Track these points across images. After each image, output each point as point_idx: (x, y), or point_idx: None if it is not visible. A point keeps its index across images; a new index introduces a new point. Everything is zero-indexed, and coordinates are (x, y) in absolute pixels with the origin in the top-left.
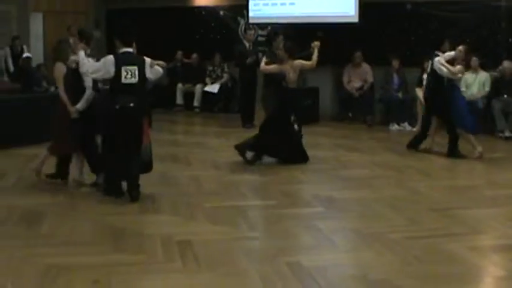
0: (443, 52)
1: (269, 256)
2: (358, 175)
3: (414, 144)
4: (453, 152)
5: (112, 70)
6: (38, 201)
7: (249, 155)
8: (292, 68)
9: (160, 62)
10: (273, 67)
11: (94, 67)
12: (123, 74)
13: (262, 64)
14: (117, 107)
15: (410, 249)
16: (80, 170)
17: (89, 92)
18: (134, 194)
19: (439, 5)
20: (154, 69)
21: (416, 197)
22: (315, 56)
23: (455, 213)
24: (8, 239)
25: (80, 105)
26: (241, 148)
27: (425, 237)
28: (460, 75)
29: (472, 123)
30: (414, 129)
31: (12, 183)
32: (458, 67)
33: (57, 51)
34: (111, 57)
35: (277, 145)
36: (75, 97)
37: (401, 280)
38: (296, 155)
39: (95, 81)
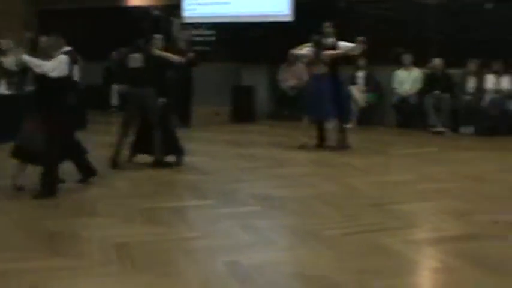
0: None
1: (207, 256)
2: (294, 173)
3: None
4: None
5: (66, 68)
6: None
7: (171, 158)
8: None
9: None
10: None
11: (52, 66)
12: (74, 71)
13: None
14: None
15: (347, 245)
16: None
17: None
18: None
19: (370, 3)
20: None
21: (352, 193)
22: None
23: (389, 208)
24: None
25: None
26: (160, 162)
27: (361, 232)
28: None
29: (322, 112)
30: (349, 125)
31: None
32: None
33: None
34: (65, 56)
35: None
36: None
37: (338, 276)
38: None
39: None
